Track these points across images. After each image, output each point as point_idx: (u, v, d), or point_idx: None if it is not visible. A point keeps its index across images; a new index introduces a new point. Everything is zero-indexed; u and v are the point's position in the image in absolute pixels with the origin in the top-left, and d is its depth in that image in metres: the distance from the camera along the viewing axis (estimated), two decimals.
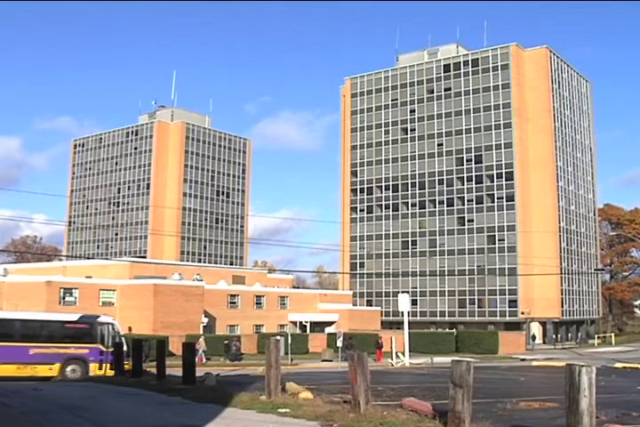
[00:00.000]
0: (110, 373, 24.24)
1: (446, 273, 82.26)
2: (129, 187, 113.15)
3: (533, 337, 66.82)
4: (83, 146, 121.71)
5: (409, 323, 40.23)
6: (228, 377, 20.45)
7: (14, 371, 23.11)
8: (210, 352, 42.62)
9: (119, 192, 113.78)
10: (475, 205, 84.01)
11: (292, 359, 40.99)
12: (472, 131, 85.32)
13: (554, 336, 77.11)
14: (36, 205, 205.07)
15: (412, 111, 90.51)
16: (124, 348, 25.37)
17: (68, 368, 24.60)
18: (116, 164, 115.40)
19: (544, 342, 71.39)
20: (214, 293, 54.18)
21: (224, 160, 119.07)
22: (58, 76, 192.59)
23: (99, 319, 26.76)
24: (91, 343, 25.65)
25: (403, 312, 39.26)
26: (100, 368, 25.10)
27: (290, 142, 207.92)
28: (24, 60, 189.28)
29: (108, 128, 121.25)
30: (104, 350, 25.54)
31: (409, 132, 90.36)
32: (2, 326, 24.89)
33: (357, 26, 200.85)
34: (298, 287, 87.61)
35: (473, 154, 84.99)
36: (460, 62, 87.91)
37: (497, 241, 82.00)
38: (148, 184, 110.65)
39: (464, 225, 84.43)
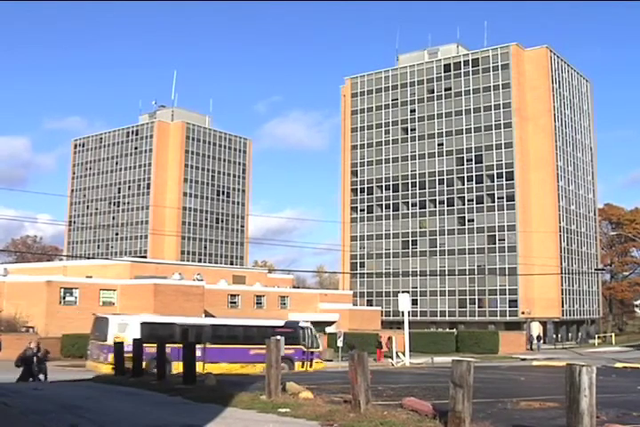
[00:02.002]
0: (310, 369, 28.94)
1: (446, 273, 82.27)
2: (129, 187, 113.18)
3: (539, 337, 66.69)
4: (83, 146, 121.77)
5: (409, 323, 40.21)
6: (229, 377, 20.46)
7: (239, 369, 26.88)
8: None
9: (119, 192, 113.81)
10: (475, 205, 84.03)
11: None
12: (472, 131, 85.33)
13: (554, 336, 77.15)
14: (41, 205, 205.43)
15: (413, 111, 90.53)
16: (320, 348, 31.73)
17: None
18: (117, 163, 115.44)
19: (544, 342, 71.31)
20: (214, 292, 54.15)
21: (224, 160, 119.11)
22: (58, 76, 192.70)
23: (300, 324, 31.87)
24: (295, 345, 29.75)
25: (403, 312, 39.29)
26: (303, 366, 29.58)
27: (296, 142, 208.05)
28: (24, 60, 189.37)
29: (108, 128, 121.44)
30: (305, 350, 30.35)
31: (409, 131, 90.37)
32: (230, 331, 29.79)
33: (357, 26, 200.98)
34: (298, 287, 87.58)
35: (473, 154, 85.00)
36: (460, 62, 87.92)
37: (497, 241, 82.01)
38: (149, 184, 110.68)
39: (464, 225, 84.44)
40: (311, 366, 30.12)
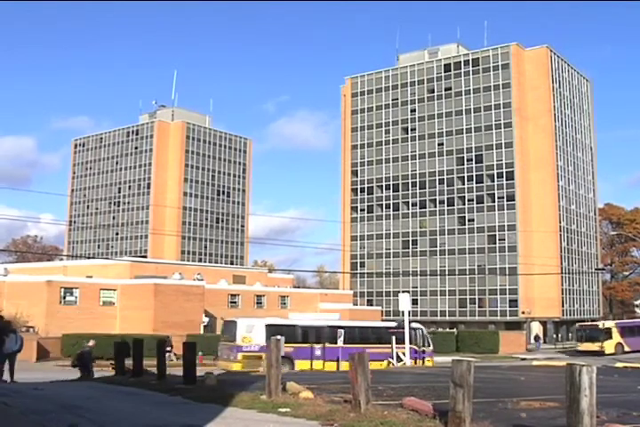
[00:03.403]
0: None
1: (447, 273, 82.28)
2: (129, 186, 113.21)
3: (536, 337, 66.64)
4: (83, 145, 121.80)
5: (409, 322, 40.24)
6: (229, 377, 20.46)
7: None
8: (208, 352, 42.53)
9: (120, 192, 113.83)
10: (475, 205, 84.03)
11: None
12: (472, 130, 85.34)
13: (554, 336, 77.13)
14: (44, 205, 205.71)
15: (413, 111, 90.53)
16: (431, 347, 33.96)
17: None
18: (117, 163, 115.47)
19: (544, 342, 71.35)
20: (215, 292, 54.16)
21: (224, 160, 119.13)
22: (59, 76, 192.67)
23: (411, 325, 33.50)
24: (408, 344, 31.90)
25: (403, 312, 39.28)
26: (415, 363, 31.62)
27: (302, 142, 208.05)
28: (25, 60, 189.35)
29: (108, 128, 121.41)
30: (417, 349, 32.78)
31: (409, 131, 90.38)
32: (348, 332, 31.86)
33: (358, 26, 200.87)
34: (298, 287, 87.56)
35: (473, 153, 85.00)
36: (460, 62, 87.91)
37: (497, 241, 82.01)
38: (149, 184, 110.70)
39: (464, 225, 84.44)
40: (423, 363, 32.50)
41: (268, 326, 30.55)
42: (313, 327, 31.99)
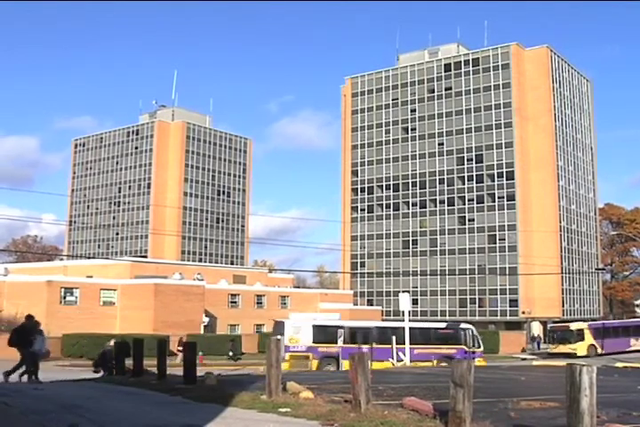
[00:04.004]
0: None
1: (447, 272, 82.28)
2: (129, 186, 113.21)
3: (533, 338, 66.29)
4: (83, 145, 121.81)
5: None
6: (229, 377, 20.45)
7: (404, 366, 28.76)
8: (209, 352, 42.57)
9: (120, 192, 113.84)
10: (475, 205, 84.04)
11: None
12: (473, 130, 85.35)
13: (554, 336, 76.92)
14: (46, 205, 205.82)
15: (413, 111, 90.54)
16: (481, 348, 33.84)
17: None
18: (117, 163, 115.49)
19: (544, 342, 71.15)
20: (215, 292, 54.20)
21: (225, 160, 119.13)
22: (59, 76, 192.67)
23: (461, 326, 34.77)
24: (457, 345, 33.00)
25: (403, 312, 39.27)
26: None
27: (304, 142, 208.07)
28: (26, 60, 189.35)
29: (108, 128, 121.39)
30: (467, 350, 33.06)
31: (409, 131, 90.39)
32: (394, 332, 32.21)
33: (358, 26, 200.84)
34: (299, 287, 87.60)
35: (473, 153, 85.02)
36: (460, 62, 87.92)
37: (497, 240, 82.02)
38: (149, 184, 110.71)
39: (465, 224, 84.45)
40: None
41: (315, 327, 31.62)
42: (360, 328, 32.80)
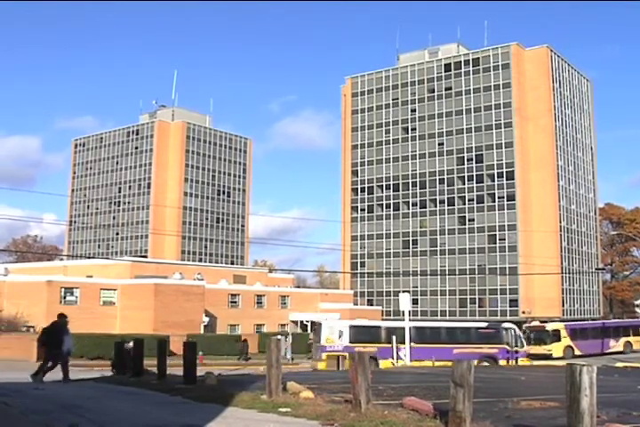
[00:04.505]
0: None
1: (447, 272, 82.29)
2: (130, 186, 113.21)
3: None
4: (83, 145, 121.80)
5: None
6: (229, 377, 20.46)
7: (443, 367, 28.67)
8: (209, 352, 42.57)
9: (120, 192, 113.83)
10: (475, 205, 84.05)
11: (292, 359, 41.02)
12: (473, 130, 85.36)
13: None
14: (47, 205, 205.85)
15: (413, 111, 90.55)
16: (525, 347, 34.07)
17: (483, 364, 30.81)
18: (117, 163, 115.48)
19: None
20: (215, 292, 54.20)
21: (225, 159, 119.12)
22: (60, 76, 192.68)
23: (503, 325, 34.71)
24: (498, 344, 32.92)
25: (403, 312, 39.30)
26: (508, 364, 31.67)
27: (306, 142, 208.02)
28: (25, 60, 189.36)
29: (108, 128, 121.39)
30: (509, 349, 32.90)
31: (409, 131, 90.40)
32: (433, 332, 33.15)
33: (358, 25, 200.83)
34: (299, 287, 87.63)
35: (474, 153, 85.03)
36: (460, 62, 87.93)
37: (497, 240, 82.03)
38: (149, 184, 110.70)
39: (465, 224, 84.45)
40: (516, 364, 32.37)
41: (352, 328, 32.52)
42: (398, 329, 32.91)
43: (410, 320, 33.18)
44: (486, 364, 31.56)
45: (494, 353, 32.61)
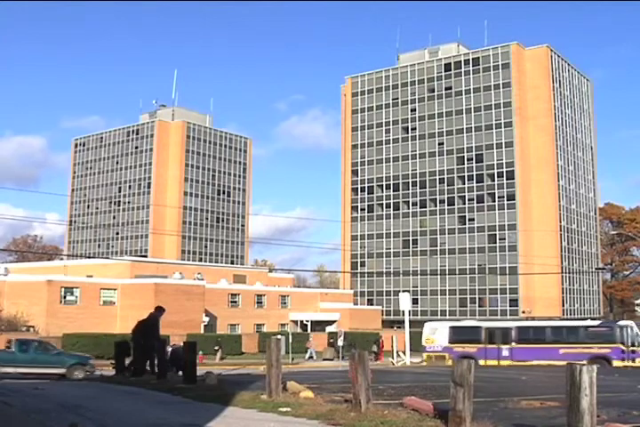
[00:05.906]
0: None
1: (447, 272, 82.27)
2: (130, 186, 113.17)
3: None
4: (83, 145, 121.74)
5: (410, 322, 40.26)
6: (229, 376, 20.48)
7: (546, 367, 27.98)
8: (210, 351, 42.58)
9: (120, 191, 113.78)
10: (475, 204, 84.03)
11: (292, 358, 41.01)
12: (473, 130, 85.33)
13: None
14: (50, 205, 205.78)
15: (413, 110, 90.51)
16: (638, 346, 31.05)
17: (594, 366, 30.03)
18: (117, 163, 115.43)
19: None
20: (215, 292, 54.22)
21: (225, 159, 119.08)
22: (59, 76, 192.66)
23: (619, 323, 32.65)
24: (612, 344, 30.61)
25: (404, 311, 39.36)
26: (624, 365, 29.79)
27: (310, 141, 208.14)
28: (26, 60, 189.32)
29: (108, 127, 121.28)
30: (624, 349, 30.46)
31: (409, 131, 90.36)
32: (536, 332, 32.09)
33: (358, 25, 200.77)
34: (299, 286, 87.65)
35: (474, 153, 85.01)
36: (460, 61, 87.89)
37: (498, 240, 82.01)
38: (149, 183, 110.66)
39: (465, 224, 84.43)
40: (633, 362, 30.53)
41: (452, 328, 33.00)
42: (499, 329, 32.57)
43: (508, 320, 33.22)
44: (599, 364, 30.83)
45: (607, 353, 30.43)
